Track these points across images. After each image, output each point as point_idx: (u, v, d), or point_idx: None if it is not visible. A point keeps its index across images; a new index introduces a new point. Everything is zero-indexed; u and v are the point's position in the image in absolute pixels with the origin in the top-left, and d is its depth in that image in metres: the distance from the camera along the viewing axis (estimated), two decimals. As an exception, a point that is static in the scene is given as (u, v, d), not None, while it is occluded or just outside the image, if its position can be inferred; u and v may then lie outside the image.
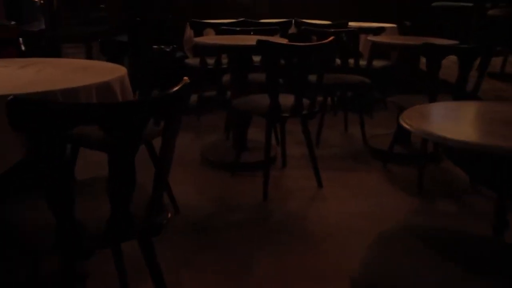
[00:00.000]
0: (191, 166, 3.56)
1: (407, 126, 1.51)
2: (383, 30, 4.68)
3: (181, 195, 2.95)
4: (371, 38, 3.75)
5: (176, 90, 1.47)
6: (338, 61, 4.59)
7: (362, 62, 4.56)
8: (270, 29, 4.08)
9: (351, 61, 4.42)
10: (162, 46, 2.60)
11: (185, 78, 1.56)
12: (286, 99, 2.96)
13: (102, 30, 5.15)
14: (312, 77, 3.02)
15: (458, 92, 2.99)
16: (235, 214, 2.86)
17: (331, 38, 2.91)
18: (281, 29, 4.63)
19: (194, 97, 4.97)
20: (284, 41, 3.37)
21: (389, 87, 5.61)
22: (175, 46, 2.63)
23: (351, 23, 5.10)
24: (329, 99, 4.78)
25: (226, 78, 3.89)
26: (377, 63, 4.88)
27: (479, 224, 2.70)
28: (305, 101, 2.96)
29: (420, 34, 4.96)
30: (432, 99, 3.00)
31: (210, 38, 3.40)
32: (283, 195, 3.11)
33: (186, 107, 1.60)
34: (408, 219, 2.83)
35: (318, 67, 2.98)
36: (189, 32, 4.97)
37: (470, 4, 5.77)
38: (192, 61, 4.74)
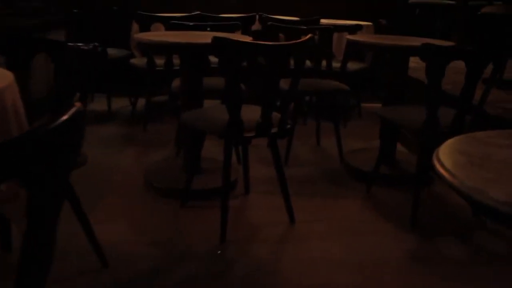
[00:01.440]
0: (130, 194, 2.86)
1: (454, 182, 0.91)
2: (359, 28, 4.09)
3: (112, 239, 2.26)
4: (350, 37, 3.14)
5: (53, 126, 0.80)
6: (308, 62, 3.99)
7: (335, 64, 3.96)
8: (230, 25, 3.41)
9: (323, 63, 3.82)
10: (80, 44, 1.91)
11: (77, 104, 0.88)
12: (250, 112, 2.31)
13: (34, 24, 4.36)
14: (281, 82, 2.38)
15: (463, 104, 2.40)
16: (184, 265, 2.18)
17: (309, 36, 2.27)
18: (243, 25, 3.97)
19: (141, 102, 4.25)
20: (248, 39, 2.71)
21: (364, 91, 5.06)
22: (96, 44, 1.94)
23: (322, 20, 4.49)
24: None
25: (176, 83, 3.20)
26: (352, 66, 4.29)
27: (496, 276, 2.12)
28: (275, 115, 2.31)
29: (397, 33, 4.42)
30: (433, 112, 2.41)
31: (154, 35, 2.70)
32: (246, 236, 2.45)
33: (75, 156, 0.92)
34: (405, 269, 2.22)
35: (292, 71, 2.32)
36: (135, 27, 4.26)
37: (451, 2, 5.25)
38: (139, 61, 4.03)
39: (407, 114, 2.67)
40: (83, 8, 4.42)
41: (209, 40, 2.09)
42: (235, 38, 2.16)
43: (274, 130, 2.32)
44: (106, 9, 4.45)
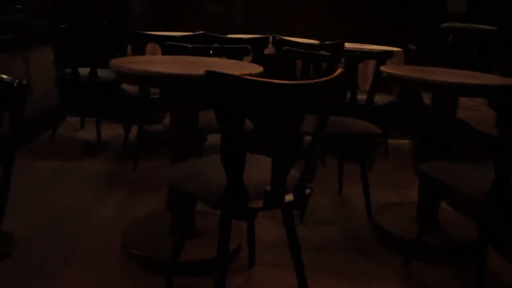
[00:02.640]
0: (101, 262, 2.23)
1: None
2: (390, 56, 3.46)
3: None
4: (386, 70, 2.51)
5: None
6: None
7: (360, 96, 3.34)
8: (238, 49, 2.81)
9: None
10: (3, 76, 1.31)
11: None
12: (258, 169, 1.70)
13: (13, 39, 3.80)
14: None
15: None
16: None
17: (339, 71, 1.64)
18: (253, 48, 3.37)
19: (133, 133, 3.64)
20: (258, 70, 2.09)
21: (389, 125, 4.42)
22: (21, 80, 1.33)
23: (347, 45, 3.87)
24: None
25: (167, 120, 2.58)
26: (380, 99, 3.67)
27: None
28: (292, 175, 1.68)
29: (428, 62, 3.80)
30: (505, 176, 1.76)
31: (131, 61, 2.09)
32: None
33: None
34: None
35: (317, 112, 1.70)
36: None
37: (491, 27, 4.62)
38: (131, 87, 3.42)
39: (464, 175, 2.03)
40: (71, 23, 3.83)
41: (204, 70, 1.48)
42: (239, 74, 1.54)
43: (288, 197, 1.69)
44: (97, 25, 3.87)
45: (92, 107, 4.00)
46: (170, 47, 2.72)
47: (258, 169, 1.76)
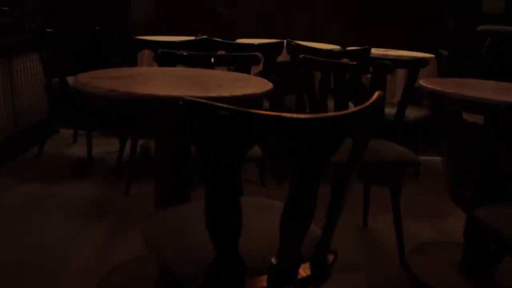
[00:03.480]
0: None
1: None
2: (424, 64, 2.96)
3: None
4: (429, 85, 2.01)
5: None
6: (353, 107, 2.89)
7: (388, 110, 2.84)
8: (244, 57, 2.33)
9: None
10: None
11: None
12: (259, 226, 1.24)
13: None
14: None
15: None
16: None
17: (377, 95, 1.16)
18: (265, 55, 2.89)
19: (126, 151, 3.17)
20: (266, 87, 1.61)
21: (420, 143, 3.91)
22: None
23: (373, 51, 3.38)
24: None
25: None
26: (410, 113, 3.19)
27: None
28: (313, 233, 1.19)
29: (464, 69, 3.34)
30: None
31: (107, 75, 1.63)
32: None
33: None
34: None
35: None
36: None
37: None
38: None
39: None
40: (59, 27, 3.39)
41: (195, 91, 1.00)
42: (239, 94, 1.06)
43: (304, 270, 1.21)
44: (89, 29, 3.42)
45: (84, 119, 3.55)
46: (162, 56, 2.26)
47: (259, 223, 1.29)
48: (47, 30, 3.28)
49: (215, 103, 0.96)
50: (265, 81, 1.75)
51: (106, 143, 3.90)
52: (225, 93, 1.45)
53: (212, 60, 2.33)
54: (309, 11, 4.38)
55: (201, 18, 4.33)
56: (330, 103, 2.52)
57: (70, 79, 3.40)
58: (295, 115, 0.96)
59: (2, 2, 3.78)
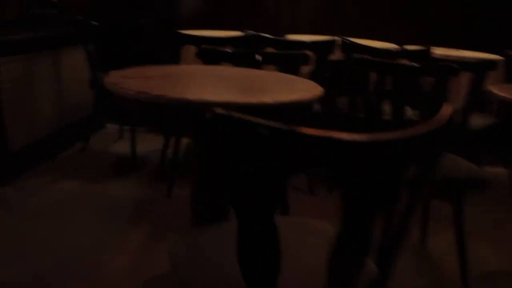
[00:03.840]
0: None
1: None
2: (493, 66, 2.69)
3: None
4: (506, 95, 1.76)
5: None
6: (410, 112, 2.67)
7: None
8: (292, 56, 2.14)
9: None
10: None
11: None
12: (303, 249, 1.05)
13: (45, 35, 3.33)
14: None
15: None
16: None
17: (450, 110, 0.95)
18: (317, 53, 2.69)
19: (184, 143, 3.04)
20: (313, 92, 1.42)
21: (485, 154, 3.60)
22: None
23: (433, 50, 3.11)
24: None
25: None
26: (476, 120, 2.91)
27: None
28: (367, 268, 1.00)
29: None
30: None
31: (139, 75, 1.48)
32: None
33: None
34: None
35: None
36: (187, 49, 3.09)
37: None
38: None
39: None
40: (105, 21, 3.30)
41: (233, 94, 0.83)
42: (285, 100, 0.88)
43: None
44: (134, 24, 3.31)
45: (128, 115, 3.46)
46: (204, 53, 2.11)
47: (303, 253, 1.10)
48: (92, 23, 3.20)
49: (252, 119, 0.78)
50: (314, 84, 1.56)
51: (151, 139, 3.80)
52: (268, 98, 1.27)
53: (258, 58, 2.16)
54: (362, 5, 4.12)
55: (248, 11, 4.15)
56: (385, 107, 2.31)
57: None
58: (352, 138, 0.77)
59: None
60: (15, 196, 2.78)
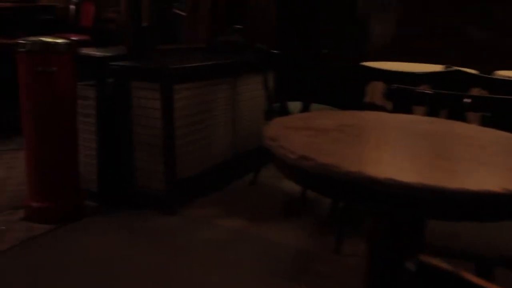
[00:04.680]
0: None
1: None
2: None
3: None
4: None
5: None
6: None
7: None
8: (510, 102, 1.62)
9: None
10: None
11: None
12: None
13: (227, 62, 3.24)
14: None
15: None
16: None
17: None
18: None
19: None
20: None
21: None
22: None
23: None
24: None
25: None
26: None
27: None
28: None
29: None
30: None
31: (306, 125, 1.14)
32: None
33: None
34: None
35: None
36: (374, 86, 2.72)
37: None
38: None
39: None
40: (285, 49, 3.08)
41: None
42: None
43: None
44: (315, 53, 3.03)
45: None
46: (395, 93, 1.70)
47: None
48: (272, 51, 3.00)
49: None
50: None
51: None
52: (487, 183, 0.83)
53: (466, 101, 1.68)
54: None
55: (448, 42, 3.60)
56: None
57: (291, 105, 3.07)
58: None
59: (238, 21, 3.68)
60: (176, 228, 2.67)
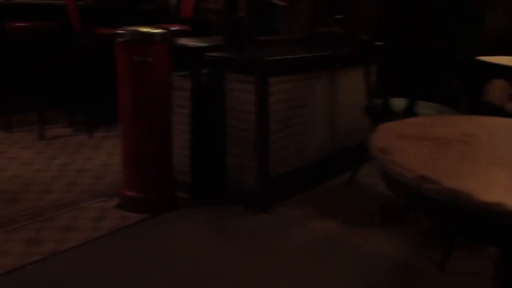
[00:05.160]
0: None
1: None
2: None
3: None
4: None
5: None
6: None
7: None
8: None
9: None
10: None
11: None
12: None
13: (327, 53, 3.07)
14: None
15: None
16: None
17: None
18: None
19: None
20: None
21: None
22: None
23: None
24: None
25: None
26: None
27: None
28: None
29: None
30: None
31: (423, 134, 0.96)
32: None
33: None
34: None
35: None
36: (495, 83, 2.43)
37: None
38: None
39: None
40: (392, 40, 2.84)
41: None
42: None
43: None
44: (425, 45, 2.76)
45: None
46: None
47: None
48: (375, 43, 2.77)
49: None
50: None
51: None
52: None
53: None
54: None
55: None
56: None
57: (394, 102, 2.84)
58: None
59: (339, 11, 3.49)
60: (266, 228, 2.56)
